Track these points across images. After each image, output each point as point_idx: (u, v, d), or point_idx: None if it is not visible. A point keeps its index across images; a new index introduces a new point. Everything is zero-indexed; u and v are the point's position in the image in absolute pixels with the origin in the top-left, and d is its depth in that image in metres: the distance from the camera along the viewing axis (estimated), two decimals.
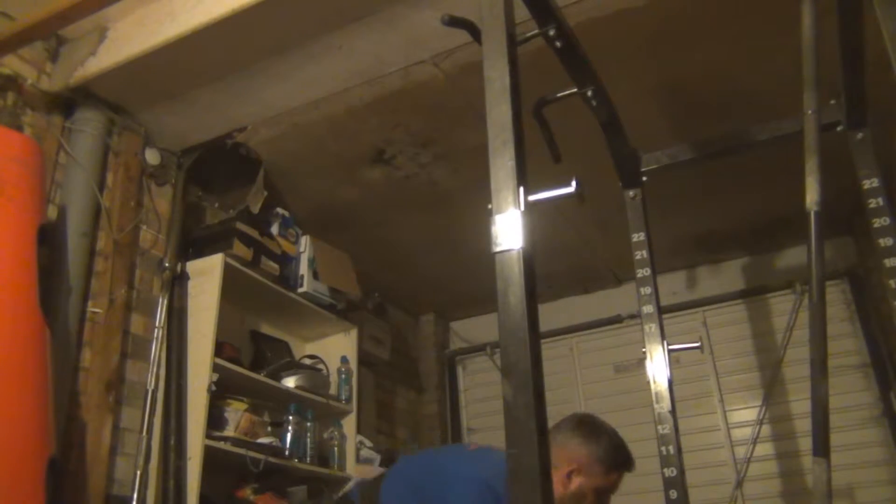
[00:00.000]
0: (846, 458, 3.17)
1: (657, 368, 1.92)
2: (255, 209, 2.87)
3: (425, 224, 3.48)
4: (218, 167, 2.90)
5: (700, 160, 2.12)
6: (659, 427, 1.86)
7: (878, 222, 1.67)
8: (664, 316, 1.99)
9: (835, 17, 1.48)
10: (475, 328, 4.51)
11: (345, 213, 3.35)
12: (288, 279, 3.02)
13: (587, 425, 1.92)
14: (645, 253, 2.04)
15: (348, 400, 3.21)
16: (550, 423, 0.96)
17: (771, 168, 2.89)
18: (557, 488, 1.81)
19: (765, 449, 3.50)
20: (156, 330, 2.50)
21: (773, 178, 2.98)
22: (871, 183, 1.72)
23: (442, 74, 2.43)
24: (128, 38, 2.30)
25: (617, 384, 3.94)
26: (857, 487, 3.18)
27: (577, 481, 1.83)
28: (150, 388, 2.40)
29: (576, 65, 1.64)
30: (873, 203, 1.70)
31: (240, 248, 2.73)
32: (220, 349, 2.58)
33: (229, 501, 2.61)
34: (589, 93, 1.71)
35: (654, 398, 1.89)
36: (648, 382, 1.92)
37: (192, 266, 2.67)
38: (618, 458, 1.87)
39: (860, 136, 1.78)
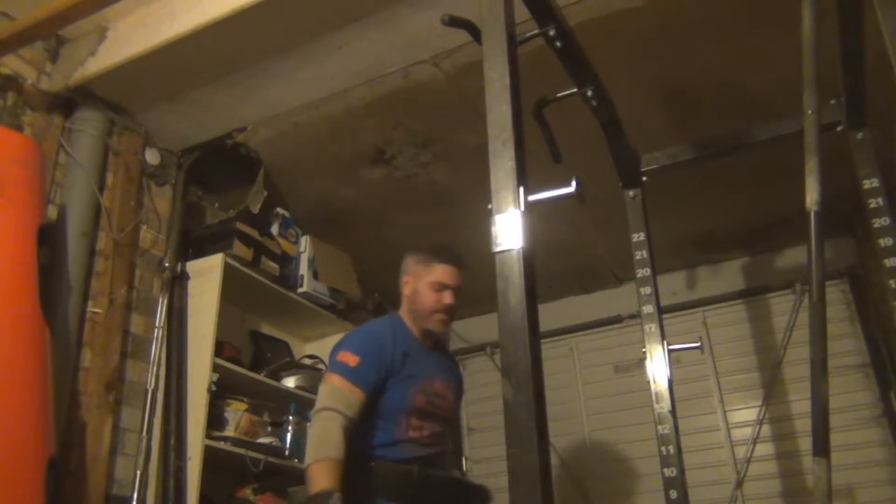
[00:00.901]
0: (846, 458, 3.16)
1: (657, 368, 1.92)
2: (255, 209, 2.87)
3: (425, 224, 3.47)
4: (218, 167, 2.91)
5: (700, 160, 2.12)
6: (659, 427, 1.86)
7: (878, 222, 1.68)
8: (664, 316, 2.00)
9: (835, 18, 1.48)
10: (475, 328, 4.50)
11: (345, 213, 3.34)
12: (288, 279, 3.02)
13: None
14: (645, 253, 2.04)
15: None
16: (550, 424, 0.97)
17: (771, 168, 2.88)
18: (403, 300, 2.16)
19: (765, 449, 3.50)
20: (156, 330, 2.50)
21: (773, 178, 2.97)
22: (871, 183, 1.72)
23: (442, 74, 2.43)
24: (128, 38, 2.30)
25: (617, 384, 3.93)
26: (857, 487, 3.18)
27: (409, 285, 2.14)
28: (150, 388, 2.40)
29: (576, 65, 1.64)
30: (873, 203, 1.70)
31: (240, 248, 2.73)
32: (220, 349, 2.58)
33: (229, 501, 2.61)
34: (589, 93, 1.71)
35: (654, 398, 1.89)
36: (648, 382, 1.92)
37: (192, 266, 2.67)
38: (432, 252, 2.15)
39: (860, 136, 1.79)
